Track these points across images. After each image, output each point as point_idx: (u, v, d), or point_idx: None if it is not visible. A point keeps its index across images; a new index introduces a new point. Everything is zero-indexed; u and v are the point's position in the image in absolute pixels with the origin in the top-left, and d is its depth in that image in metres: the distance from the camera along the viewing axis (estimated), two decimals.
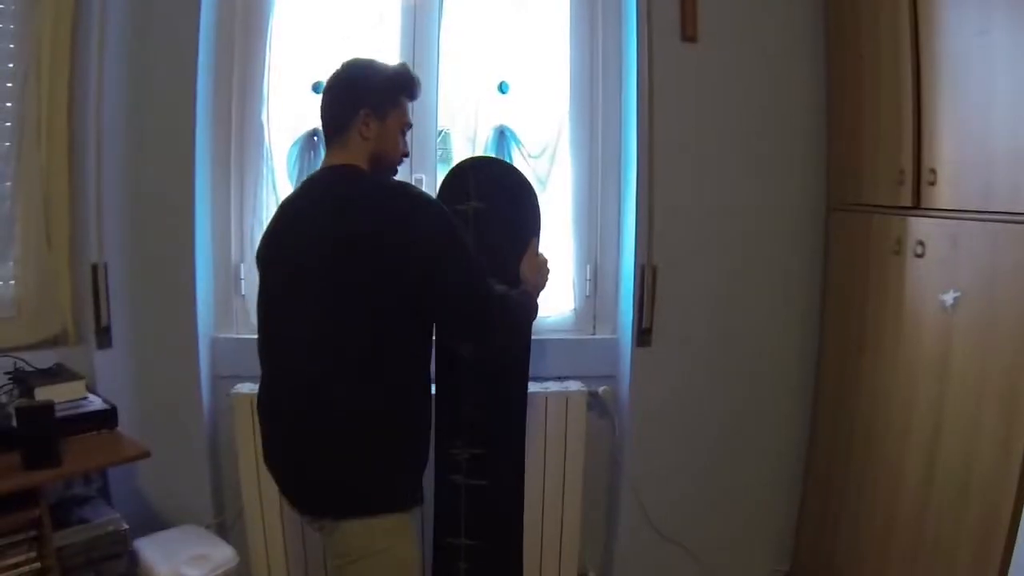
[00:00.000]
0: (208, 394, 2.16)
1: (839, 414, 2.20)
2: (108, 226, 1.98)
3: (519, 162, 2.19)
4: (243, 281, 2.20)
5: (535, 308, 1.67)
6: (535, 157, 2.21)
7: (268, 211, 2.19)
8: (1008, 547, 1.63)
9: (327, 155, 1.53)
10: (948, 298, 1.83)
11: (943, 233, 1.86)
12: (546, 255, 1.82)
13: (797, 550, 2.41)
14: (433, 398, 1.65)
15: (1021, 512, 1.61)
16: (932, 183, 1.90)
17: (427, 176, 2.19)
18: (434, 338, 1.56)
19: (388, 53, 2.13)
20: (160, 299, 2.07)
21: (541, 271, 1.76)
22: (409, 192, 1.46)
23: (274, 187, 2.17)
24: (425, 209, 1.43)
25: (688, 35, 2.08)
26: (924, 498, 1.88)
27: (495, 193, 1.88)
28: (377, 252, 1.37)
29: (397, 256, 1.37)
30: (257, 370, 1.99)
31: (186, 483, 2.13)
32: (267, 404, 1.54)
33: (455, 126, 2.20)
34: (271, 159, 2.17)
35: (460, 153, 2.19)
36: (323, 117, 1.52)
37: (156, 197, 2.04)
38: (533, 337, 2.06)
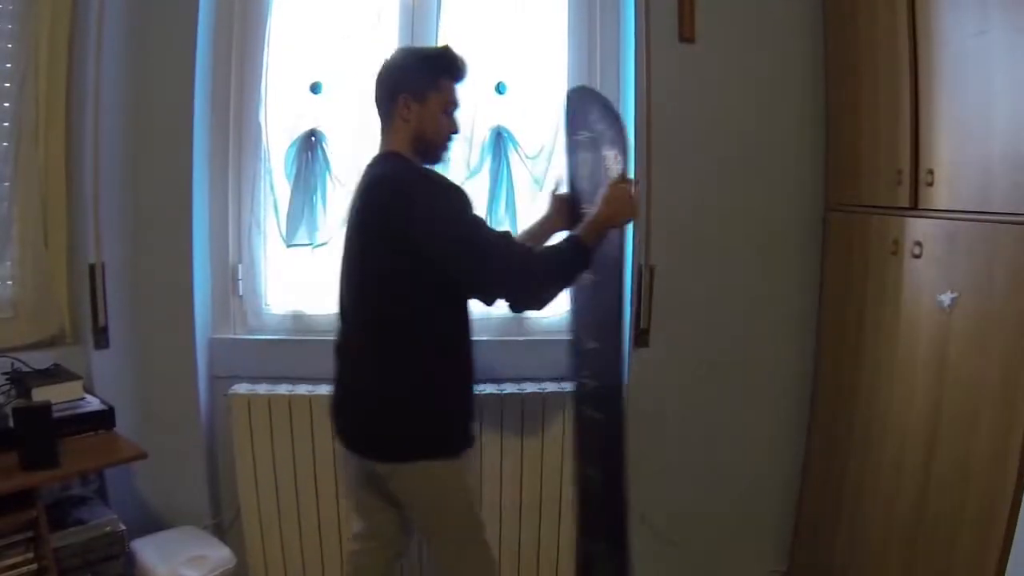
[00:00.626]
0: (205, 395, 2.16)
1: (837, 414, 2.20)
2: (106, 226, 1.98)
3: (516, 163, 2.19)
4: (240, 282, 2.20)
5: (592, 245, 1.63)
6: (532, 158, 2.20)
7: (265, 211, 2.19)
8: (1005, 548, 1.63)
9: (380, 141, 1.66)
10: (946, 299, 1.83)
11: (941, 234, 1.86)
12: (629, 183, 1.73)
13: (795, 550, 2.41)
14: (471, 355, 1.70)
15: (1018, 512, 1.61)
16: (930, 184, 1.90)
17: None
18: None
19: (386, 53, 2.13)
20: (158, 299, 2.07)
21: (619, 200, 1.67)
22: (423, 181, 1.55)
23: (271, 187, 2.17)
24: (429, 200, 1.51)
25: (686, 36, 2.08)
26: (922, 498, 1.88)
27: (599, 122, 1.88)
28: (386, 232, 1.51)
29: (402, 238, 1.49)
30: (254, 370, 2.05)
31: (183, 484, 2.12)
32: (335, 358, 1.70)
33: None
34: (268, 160, 2.16)
35: (456, 154, 2.17)
36: (375, 106, 1.64)
37: (154, 197, 2.04)
38: (529, 338, 2.08)
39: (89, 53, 1.89)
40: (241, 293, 2.20)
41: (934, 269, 1.89)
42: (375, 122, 1.64)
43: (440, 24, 2.14)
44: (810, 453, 2.35)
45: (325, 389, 2.06)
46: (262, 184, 2.17)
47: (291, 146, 2.14)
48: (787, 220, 2.27)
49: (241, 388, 2.08)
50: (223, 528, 2.20)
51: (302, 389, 2.09)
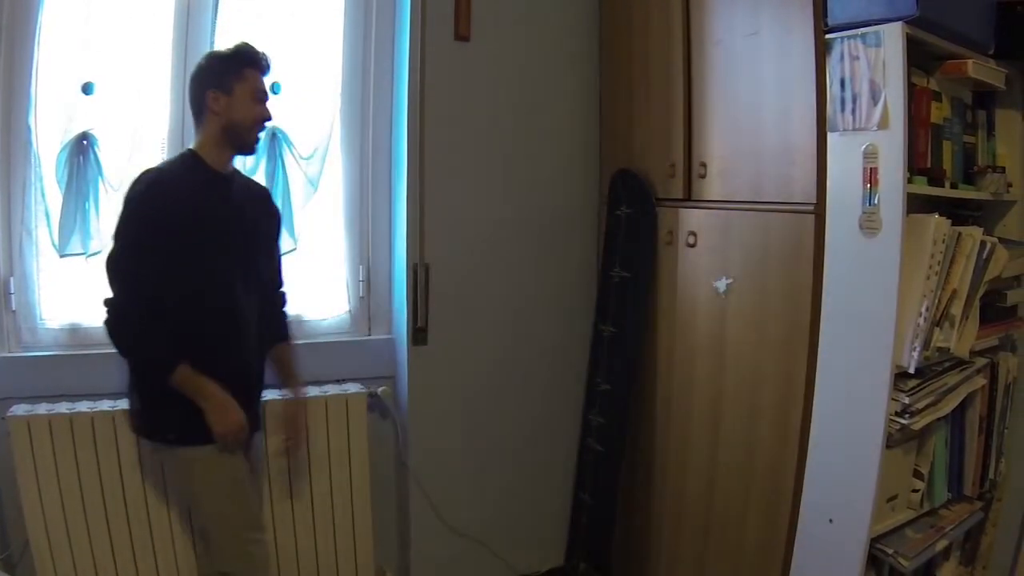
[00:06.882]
0: None
1: None
2: None
3: (291, 164, 2.14)
4: (13, 296, 2.05)
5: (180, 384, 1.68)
6: (307, 159, 2.15)
7: (37, 220, 2.06)
8: (791, 529, 1.71)
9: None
10: (721, 285, 1.92)
11: (714, 223, 1.96)
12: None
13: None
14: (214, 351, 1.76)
15: (801, 490, 1.70)
16: (703, 176, 1.99)
17: None
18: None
19: (162, 53, 2.05)
20: None
21: (221, 411, 1.70)
22: (135, 183, 1.72)
23: (43, 194, 2.03)
24: (126, 202, 1.69)
25: (461, 34, 2.10)
26: (711, 476, 1.96)
27: (633, 199, 2.21)
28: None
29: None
30: (33, 389, 2.00)
31: None
32: None
33: None
34: (39, 165, 2.03)
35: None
36: (191, 109, 1.79)
37: None
38: (309, 341, 2.13)
39: None
40: (14, 308, 2.06)
41: (709, 257, 1.98)
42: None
43: (216, 23, 2.07)
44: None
45: (107, 405, 1.98)
46: (33, 191, 2.03)
47: (62, 150, 2.02)
48: (565, 214, 2.33)
49: (19, 409, 1.94)
50: (13, 563, 2.05)
51: (83, 406, 1.97)
